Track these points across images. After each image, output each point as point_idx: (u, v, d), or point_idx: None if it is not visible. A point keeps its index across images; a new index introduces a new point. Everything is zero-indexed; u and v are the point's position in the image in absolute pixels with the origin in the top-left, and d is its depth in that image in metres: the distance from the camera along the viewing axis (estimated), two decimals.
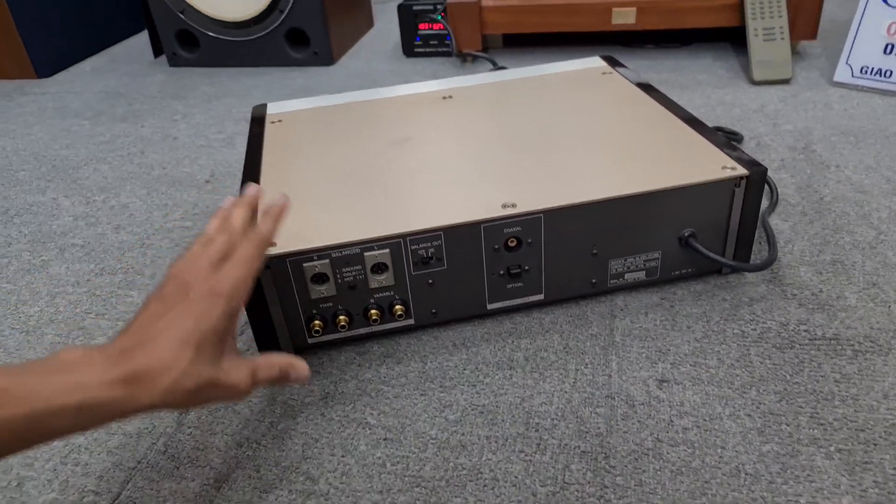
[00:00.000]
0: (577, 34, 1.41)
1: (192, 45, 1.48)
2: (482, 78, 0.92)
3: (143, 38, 1.75)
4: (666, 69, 1.26)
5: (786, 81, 1.14)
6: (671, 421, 0.56)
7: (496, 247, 0.63)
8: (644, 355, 0.63)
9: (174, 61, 1.50)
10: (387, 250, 0.61)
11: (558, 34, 1.37)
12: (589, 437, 0.55)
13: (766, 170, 0.64)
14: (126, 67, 1.54)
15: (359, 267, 0.61)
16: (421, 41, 1.42)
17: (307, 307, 0.62)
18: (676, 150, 0.69)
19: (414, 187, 0.66)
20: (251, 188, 0.56)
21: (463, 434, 0.56)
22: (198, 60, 1.48)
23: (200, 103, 1.29)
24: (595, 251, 0.66)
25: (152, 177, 1.03)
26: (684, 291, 0.70)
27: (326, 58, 1.43)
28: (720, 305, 0.67)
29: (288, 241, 0.60)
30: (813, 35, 1.19)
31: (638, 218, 0.64)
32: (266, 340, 0.63)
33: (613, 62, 0.93)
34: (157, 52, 1.56)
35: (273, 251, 0.59)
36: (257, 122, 0.84)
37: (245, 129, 1.16)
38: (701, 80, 1.19)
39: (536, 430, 0.56)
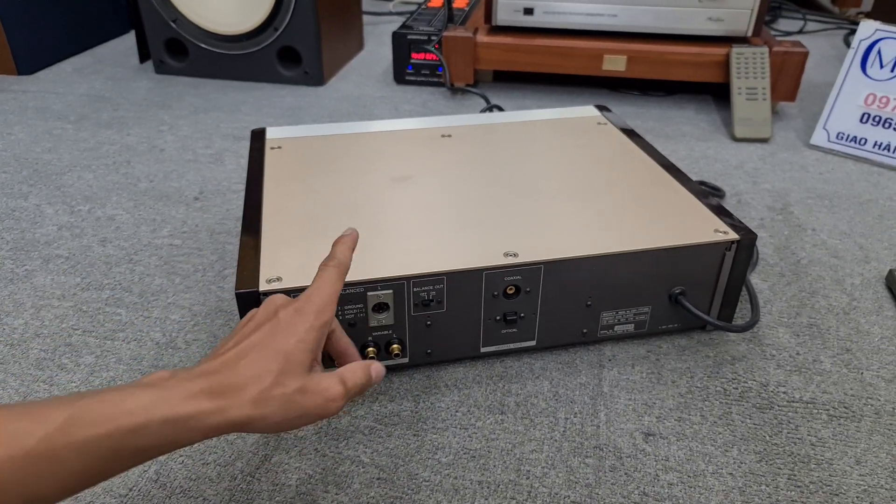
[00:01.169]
0: (566, 76, 1.45)
1: (181, 53, 1.46)
2: (480, 119, 0.94)
3: (127, 40, 1.72)
4: (651, 118, 1.30)
5: (765, 140, 1.19)
6: (657, 475, 0.58)
7: (495, 293, 0.64)
8: (631, 407, 0.65)
9: (161, 69, 1.48)
10: (390, 291, 0.62)
11: (549, 74, 1.40)
12: (578, 487, 0.57)
13: (755, 237, 0.67)
14: (110, 70, 1.51)
15: (360, 305, 0.62)
16: (413, 70, 1.44)
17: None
18: (672, 210, 0.71)
19: (417, 228, 0.68)
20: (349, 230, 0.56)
21: (455, 478, 0.57)
22: (185, 70, 1.47)
23: (188, 115, 1.28)
24: (589, 302, 0.68)
25: (139, 189, 1.01)
26: (669, 345, 0.72)
27: (317, 78, 1.44)
28: (704, 362, 0.70)
29: (291, 275, 0.60)
30: (792, 97, 1.25)
31: (633, 273, 0.67)
32: None
33: (607, 112, 0.96)
34: (144, 57, 1.54)
35: (277, 286, 0.59)
36: (257, 147, 0.85)
37: (234, 146, 1.16)
38: (685, 132, 1.23)
39: (527, 478, 0.57)
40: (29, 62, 1.48)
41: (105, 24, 1.71)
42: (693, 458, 0.59)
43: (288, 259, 0.63)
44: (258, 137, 0.87)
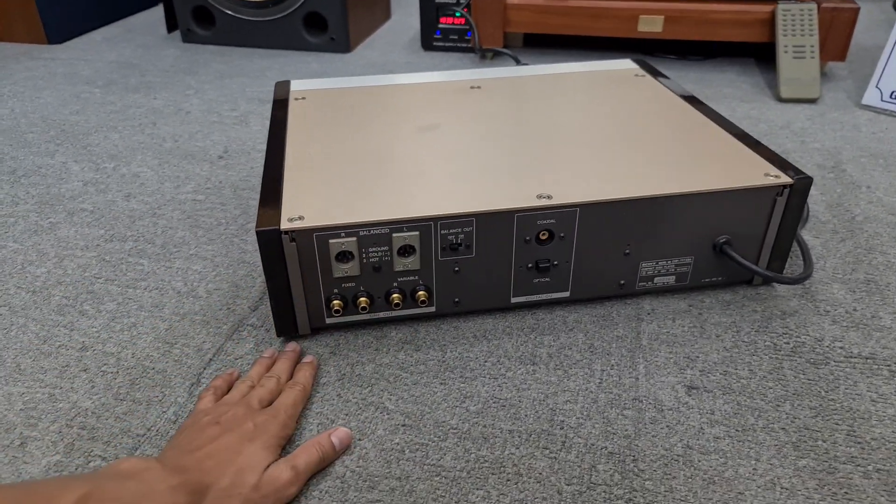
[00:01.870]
0: (599, 39, 1.40)
1: (208, 22, 1.45)
2: (510, 71, 0.90)
3: (156, 12, 1.72)
4: (690, 80, 1.25)
5: (813, 101, 1.13)
6: (701, 429, 0.54)
7: (527, 238, 0.61)
8: (672, 360, 0.61)
9: (188, 37, 1.47)
10: (416, 233, 0.58)
11: (580, 38, 1.35)
12: (616, 438, 0.53)
13: (811, 180, 0.62)
14: (139, 40, 1.51)
15: (385, 248, 0.59)
16: (441, 35, 1.40)
17: (329, 286, 0.60)
18: (717, 155, 0.67)
19: (445, 172, 0.64)
20: (292, 344, 0.62)
21: (484, 426, 0.54)
22: (212, 38, 1.46)
23: (213, 80, 1.27)
24: (628, 251, 0.64)
25: (164, 148, 1.00)
26: (712, 300, 0.68)
27: (343, 45, 1.41)
28: (751, 316, 0.66)
29: (315, 215, 0.58)
30: (842, 56, 1.18)
31: (675, 220, 0.63)
32: (284, 317, 0.61)
33: (645, 65, 0.91)
34: (171, 27, 1.54)
35: (299, 225, 0.56)
36: (281, 97, 0.82)
37: (259, 109, 1.14)
38: (726, 94, 1.18)
39: (561, 428, 0.54)
40: (59, 31, 1.48)
41: None
42: (741, 413, 0.55)
43: (310, 200, 0.60)
44: (282, 88, 0.85)
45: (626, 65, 0.92)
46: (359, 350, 0.62)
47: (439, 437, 0.53)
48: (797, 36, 1.15)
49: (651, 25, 1.25)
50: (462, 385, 0.58)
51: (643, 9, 1.24)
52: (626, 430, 0.54)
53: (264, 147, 1.00)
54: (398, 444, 0.52)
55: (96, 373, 0.59)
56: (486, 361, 0.61)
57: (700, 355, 0.61)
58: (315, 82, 0.87)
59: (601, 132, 0.72)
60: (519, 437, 0.53)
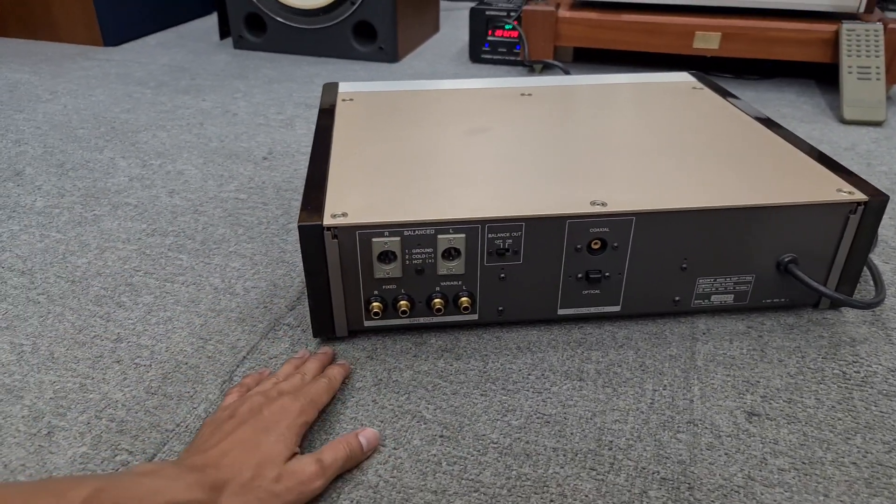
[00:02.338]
0: (652, 56, 1.37)
1: (259, 29, 1.47)
2: (562, 80, 0.88)
3: (209, 20, 1.75)
4: (747, 100, 1.20)
5: (878, 124, 1.08)
6: (764, 459, 0.50)
7: (578, 247, 0.58)
8: (730, 384, 0.57)
9: (239, 44, 1.49)
10: (462, 235, 0.56)
11: (632, 54, 1.33)
12: (670, 463, 0.49)
13: (887, 199, 0.58)
14: (192, 45, 1.53)
15: (430, 250, 0.56)
16: (490, 47, 1.39)
17: (369, 287, 0.58)
18: (784, 168, 0.63)
19: (494, 176, 0.62)
20: (325, 348, 0.60)
21: (527, 442, 0.51)
22: (262, 45, 1.47)
23: (262, 84, 1.27)
24: (685, 265, 0.60)
25: (210, 148, 1.00)
26: (773, 322, 0.64)
27: (391, 54, 1.41)
28: (816, 342, 0.61)
29: (359, 212, 0.56)
30: None
31: (737, 235, 0.59)
32: (321, 317, 0.59)
33: (703, 79, 0.88)
34: (224, 34, 1.56)
35: (343, 221, 0.54)
36: (328, 98, 0.81)
37: (305, 113, 1.14)
38: (785, 114, 1.13)
39: (610, 449, 0.50)
40: (114, 34, 1.51)
41: (188, 4, 1.74)
42: (808, 444, 0.51)
43: (355, 197, 0.58)
44: (330, 90, 0.84)
45: (682, 77, 0.89)
46: (397, 356, 0.59)
47: (479, 450, 0.50)
48: (862, 57, 1.10)
49: (707, 42, 1.22)
50: (504, 398, 0.55)
51: (700, 25, 1.21)
52: (681, 455, 0.50)
53: (309, 150, 0.99)
54: (435, 455, 0.50)
55: (129, 365, 0.58)
56: (529, 374, 0.58)
57: (761, 380, 0.57)
58: (363, 85, 0.86)
59: (658, 142, 0.69)
60: (564, 455, 0.50)
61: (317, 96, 1.21)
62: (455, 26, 1.72)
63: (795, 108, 1.16)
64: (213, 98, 1.20)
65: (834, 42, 1.15)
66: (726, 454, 0.50)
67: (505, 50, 1.38)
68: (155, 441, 0.50)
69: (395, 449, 0.50)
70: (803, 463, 0.49)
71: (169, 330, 0.62)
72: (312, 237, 0.54)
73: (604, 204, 0.57)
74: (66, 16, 1.49)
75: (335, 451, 0.48)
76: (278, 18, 1.42)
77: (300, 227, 0.54)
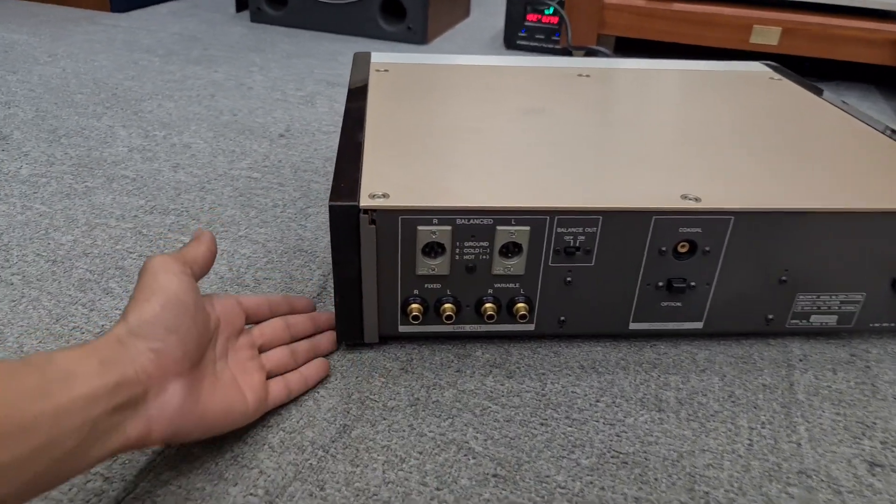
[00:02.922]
0: (703, 50, 1.27)
1: (279, 2, 1.37)
2: (621, 63, 0.78)
3: None
4: None
5: None
6: None
7: (663, 249, 0.48)
8: (841, 425, 0.47)
9: (257, 17, 1.39)
10: (526, 228, 0.46)
11: (682, 47, 1.23)
12: None
13: None
14: (205, 15, 1.43)
15: (486, 244, 0.47)
16: (526, 33, 1.29)
17: (409, 284, 0.48)
18: None
19: (562, 161, 0.52)
20: (320, 314, 0.52)
21: (602, 488, 0.41)
22: (282, 19, 1.37)
23: (280, 59, 1.18)
24: (784, 278, 0.50)
25: (221, 121, 0.90)
26: (880, 351, 0.54)
27: (420, 35, 1.31)
28: None
29: (403, 193, 0.46)
30: None
31: (850, 244, 0.49)
32: (348, 318, 0.49)
33: (780, 69, 0.78)
34: (241, 6, 1.46)
35: (383, 203, 0.44)
36: (360, 68, 0.71)
37: (328, 91, 1.04)
38: None
39: (706, 502, 0.40)
40: (123, 1, 1.41)
41: None
42: None
43: (396, 177, 0.48)
44: (362, 59, 0.74)
45: (756, 67, 0.79)
46: (436, 370, 0.50)
47: (543, 496, 0.40)
48: None
49: (765, 37, 1.12)
50: (569, 429, 0.45)
51: (759, 18, 1.11)
52: None
53: (330, 129, 0.89)
54: (488, 500, 0.40)
55: None
56: (597, 401, 0.48)
57: (878, 422, 0.47)
58: (399, 56, 0.76)
59: (745, 136, 0.59)
60: None
61: (340, 73, 1.11)
62: (486, 11, 1.62)
63: None
64: (226, 70, 1.10)
65: None
66: None
67: (543, 37, 1.28)
68: (137, 463, 0.40)
69: (438, 490, 0.40)
70: None
71: None
72: (346, 221, 0.45)
73: (697, 199, 0.47)
74: None
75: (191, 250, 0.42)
76: None
77: (332, 208, 0.44)
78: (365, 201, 0.45)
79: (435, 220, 0.45)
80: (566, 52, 1.22)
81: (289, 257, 0.61)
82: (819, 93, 0.70)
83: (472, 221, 0.46)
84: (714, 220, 0.47)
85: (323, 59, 1.18)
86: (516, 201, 0.46)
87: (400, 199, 0.45)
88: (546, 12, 1.26)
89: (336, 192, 0.45)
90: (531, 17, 1.27)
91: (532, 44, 1.29)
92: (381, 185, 0.47)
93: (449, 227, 0.46)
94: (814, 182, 0.51)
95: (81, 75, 1.03)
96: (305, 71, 1.12)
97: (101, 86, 1.00)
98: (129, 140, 0.83)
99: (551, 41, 1.28)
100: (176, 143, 0.82)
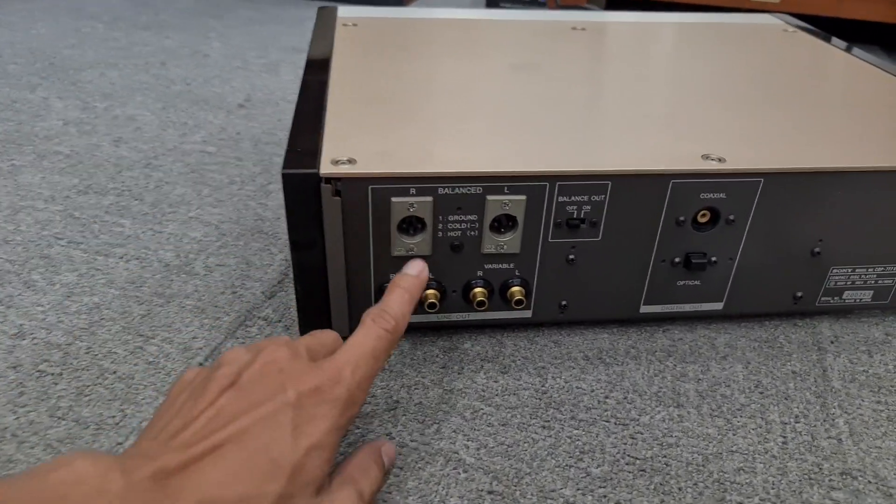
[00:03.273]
0: (701, 7, 1.19)
1: None
2: (621, 16, 0.71)
3: None
4: None
5: None
6: None
7: (681, 218, 0.41)
8: (885, 415, 0.41)
9: None
10: (522, 197, 0.39)
11: (677, 4, 1.15)
12: None
13: None
14: None
15: (474, 217, 0.39)
16: None
17: (383, 267, 0.40)
18: None
19: (561, 122, 0.45)
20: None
21: (618, 502, 0.34)
22: None
23: (240, 25, 1.08)
24: (818, 249, 0.44)
25: (172, 91, 0.81)
26: None
27: None
28: None
29: (373, 159, 0.38)
30: None
31: (889, 210, 0.43)
32: (312, 309, 0.41)
33: (793, 21, 0.71)
34: None
35: (349, 170, 0.37)
36: (325, 23, 0.63)
37: (294, 58, 0.95)
38: None
39: None
40: None
41: None
42: None
43: (365, 139, 0.40)
44: (328, 13, 0.66)
45: (767, 19, 0.72)
46: (419, 367, 0.42)
47: None
48: None
49: None
50: (575, 432, 0.38)
51: None
52: None
53: (296, 98, 0.81)
54: None
55: (30, 373, 0.40)
56: (606, 397, 0.41)
57: None
58: (370, 10, 0.68)
59: (769, 89, 0.52)
60: None
61: (308, 40, 1.02)
62: None
63: None
64: (179, 37, 1.01)
65: None
66: None
67: None
68: None
69: None
70: None
71: (93, 322, 0.44)
72: (304, 192, 0.37)
73: (721, 160, 0.40)
74: None
75: (371, 480, 0.31)
76: None
77: (285, 177, 0.36)
78: (326, 168, 0.37)
79: (412, 191, 0.38)
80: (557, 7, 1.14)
81: (246, 240, 0.53)
82: (843, 46, 0.64)
83: (457, 191, 0.38)
84: (741, 183, 0.40)
85: (289, 25, 1.09)
86: (510, 166, 0.38)
87: (369, 165, 0.37)
88: None
89: (291, 159, 0.37)
90: None
91: (517, 6, 1.21)
92: (347, 151, 0.39)
93: (430, 199, 0.38)
94: (848, 139, 0.44)
95: (17, 44, 0.93)
96: (269, 38, 1.03)
97: (37, 55, 0.90)
98: (64, 112, 0.73)
99: (537, 4, 1.20)
100: (119, 115, 0.73)
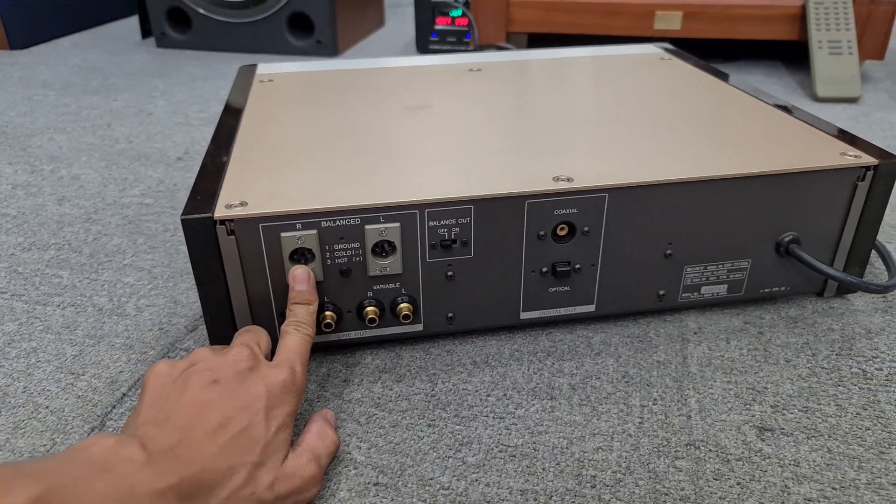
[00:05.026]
0: (611, 39, 1.28)
1: (184, 24, 1.34)
2: (516, 55, 0.78)
3: (133, 21, 1.61)
4: None
5: (853, 100, 1.00)
6: (786, 486, 0.39)
7: (541, 233, 0.47)
8: (732, 392, 0.46)
9: (162, 42, 1.36)
10: (396, 224, 0.45)
11: (590, 38, 1.24)
12: (670, 500, 0.38)
13: None
14: (109, 45, 1.39)
15: (356, 245, 0.45)
16: (437, 37, 1.29)
17: (282, 296, 0.46)
18: (777, 134, 0.54)
19: (435, 154, 0.51)
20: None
21: (488, 485, 0.39)
22: (188, 42, 1.34)
23: (185, 82, 1.15)
24: (669, 251, 0.50)
25: (115, 150, 0.87)
26: (773, 316, 0.54)
27: (331, 48, 1.29)
28: (827, 336, 0.51)
29: (262, 200, 0.44)
30: (881, 55, 1.06)
31: (729, 212, 0.49)
32: (221, 337, 0.46)
33: (672, 49, 0.79)
34: (146, 33, 1.43)
35: (240, 212, 0.43)
36: (243, 81, 0.69)
37: None
38: None
39: (593, 486, 0.39)
40: (22, 36, 1.36)
41: (111, 4, 1.60)
42: (835, 463, 0.40)
43: (259, 184, 0.46)
44: (247, 72, 0.72)
45: (648, 49, 0.79)
46: (321, 381, 0.48)
47: (425, 499, 0.38)
48: (832, 30, 1.03)
49: (668, 22, 1.14)
50: (457, 427, 0.43)
51: (660, 4, 1.13)
52: (683, 489, 0.39)
53: None
54: None
55: None
56: (488, 396, 0.46)
57: (769, 386, 0.47)
58: (288, 65, 0.74)
59: (627, 113, 0.59)
60: (536, 499, 0.38)
61: None
62: (402, 20, 1.61)
63: (764, 88, 1.08)
64: (126, 98, 1.07)
65: (801, 17, 1.08)
66: (739, 484, 0.39)
67: (454, 39, 1.28)
68: None
69: (318, 501, 0.38)
70: (833, 488, 0.39)
71: (31, 365, 0.49)
72: (200, 234, 0.42)
73: (570, 179, 0.46)
74: None
75: (326, 444, 0.40)
76: (203, 12, 1.30)
77: (184, 222, 0.42)
78: (221, 212, 0.43)
79: (298, 225, 0.44)
80: (480, 51, 1.22)
81: (175, 281, 0.59)
82: (708, 69, 0.71)
83: (338, 223, 0.44)
84: (588, 199, 0.46)
85: (230, 80, 1.16)
86: (383, 198, 0.44)
87: (259, 206, 0.43)
88: (453, 14, 1.26)
89: (189, 206, 0.43)
90: (440, 20, 1.27)
91: (444, 47, 1.29)
92: (242, 194, 0.45)
93: (315, 231, 0.44)
94: (689, 152, 0.50)
95: None
96: (210, 92, 1.09)
97: None
98: (13, 177, 0.79)
99: (463, 43, 1.28)
100: (64, 176, 0.79)
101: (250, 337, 0.42)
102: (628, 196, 0.47)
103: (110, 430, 0.43)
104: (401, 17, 1.65)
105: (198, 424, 0.34)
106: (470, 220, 0.46)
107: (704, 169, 0.48)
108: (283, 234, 0.43)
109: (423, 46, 1.30)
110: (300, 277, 0.44)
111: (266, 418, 0.36)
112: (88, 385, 0.47)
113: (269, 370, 0.38)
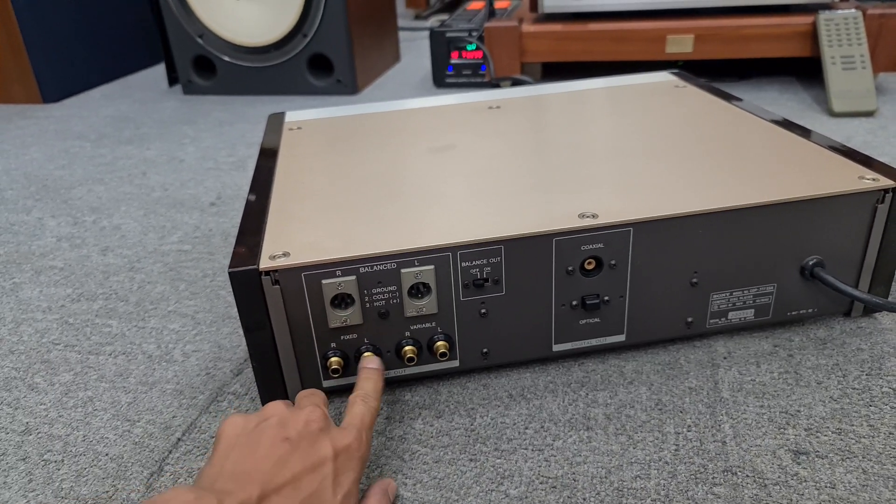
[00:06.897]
0: (624, 64, 1.31)
1: (209, 71, 1.39)
2: (533, 90, 0.80)
3: (159, 69, 1.67)
4: None
5: (870, 114, 1.01)
6: None
7: (570, 269, 0.49)
8: (766, 417, 0.47)
9: (189, 89, 1.41)
10: (430, 267, 0.47)
11: (604, 64, 1.26)
12: None
13: None
14: (138, 95, 1.45)
15: (393, 287, 0.47)
16: (453, 71, 1.32)
17: (324, 339, 0.48)
18: (795, 161, 0.55)
19: (464, 195, 0.53)
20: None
21: None
22: (213, 88, 1.39)
23: (212, 128, 1.19)
24: (695, 280, 0.51)
25: (152, 198, 0.90)
26: (802, 338, 0.55)
27: (350, 87, 1.33)
28: (856, 356, 0.52)
29: (303, 250, 0.46)
30: (895, 66, 1.07)
31: (752, 239, 0.50)
32: (269, 381, 0.48)
33: (685, 76, 0.81)
34: (172, 80, 1.48)
35: (284, 262, 0.45)
36: (273, 129, 0.72)
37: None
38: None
39: None
40: (54, 90, 1.42)
41: (136, 54, 1.66)
42: (871, 484, 0.41)
43: (299, 234, 0.49)
44: (276, 120, 0.75)
45: (662, 77, 0.81)
46: None
47: None
48: (844, 46, 1.05)
49: (680, 46, 1.16)
50: (498, 461, 0.45)
51: (671, 28, 1.15)
52: None
53: None
54: None
55: (37, 462, 0.47)
56: (526, 428, 0.48)
57: (801, 409, 0.48)
58: (313, 112, 0.78)
59: (646, 144, 0.61)
60: None
61: None
62: (418, 54, 1.65)
63: (780, 105, 1.10)
64: (158, 146, 1.11)
65: (812, 34, 1.09)
66: None
67: (470, 72, 1.31)
68: None
69: None
70: None
71: (88, 413, 0.51)
72: (248, 285, 0.45)
73: (594, 216, 0.48)
74: (2, 74, 1.40)
75: None
76: (227, 59, 1.35)
77: (231, 275, 0.45)
78: (265, 263, 0.45)
79: (338, 272, 0.46)
80: (494, 84, 1.25)
81: (217, 326, 0.61)
82: (723, 95, 0.73)
83: (375, 268, 0.46)
84: (613, 234, 0.48)
85: (255, 123, 1.20)
86: (416, 242, 0.47)
87: (301, 256, 0.46)
88: (468, 48, 1.29)
89: (235, 258, 0.46)
90: (455, 54, 1.30)
91: (460, 80, 1.32)
92: (284, 245, 0.47)
93: (353, 277, 0.46)
94: (709, 182, 0.52)
95: (12, 171, 1.03)
96: (237, 136, 1.13)
97: (31, 179, 1.00)
98: (57, 229, 0.83)
99: (478, 75, 1.31)
100: (105, 226, 0.82)
101: (319, 399, 0.43)
102: (652, 229, 0.48)
103: (168, 474, 0.45)
104: (416, 51, 1.69)
105: (271, 481, 0.35)
106: (500, 259, 0.48)
107: (724, 199, 0.49)
108: (324, 282, 0.46)
109: (439, 80, 1.34)
110: (372, 359, 0.47)
111: (334, 484, 0.37)
112: (144, 431, 0.49)
113: (338, 433, 0.39)
